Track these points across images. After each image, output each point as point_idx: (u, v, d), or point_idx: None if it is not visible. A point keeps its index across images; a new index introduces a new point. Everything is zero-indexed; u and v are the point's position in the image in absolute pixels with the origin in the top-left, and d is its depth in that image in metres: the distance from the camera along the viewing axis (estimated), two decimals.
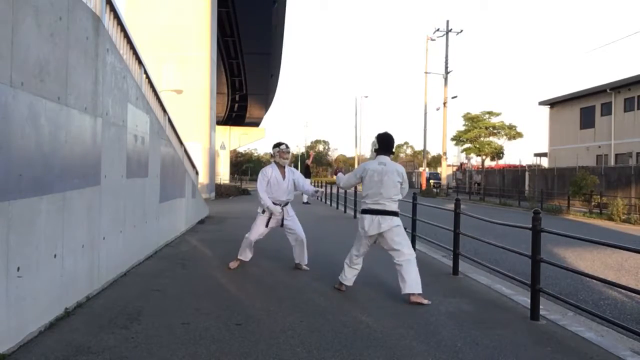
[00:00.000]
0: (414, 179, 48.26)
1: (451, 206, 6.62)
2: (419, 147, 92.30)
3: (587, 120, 29.87)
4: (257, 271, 5.91)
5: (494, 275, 5.90)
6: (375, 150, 4.98)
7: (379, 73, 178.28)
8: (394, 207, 4.84)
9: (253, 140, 53.24)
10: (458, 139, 38.93)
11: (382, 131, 5.06)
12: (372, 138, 5.12)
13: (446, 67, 33.98)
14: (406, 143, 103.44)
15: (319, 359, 3.22)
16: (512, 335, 3.81)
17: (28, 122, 3.24)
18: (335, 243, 8.18)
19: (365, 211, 4.84)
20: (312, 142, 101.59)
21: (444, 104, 33.87)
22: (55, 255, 3.70)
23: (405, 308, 4.45)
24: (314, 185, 23.42)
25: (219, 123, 39.11)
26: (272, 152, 6.00)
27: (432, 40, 35.38)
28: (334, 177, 5.62)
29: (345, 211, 15.33)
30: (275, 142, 5.96)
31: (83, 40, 4.18)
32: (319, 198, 19.25)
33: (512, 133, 37.24)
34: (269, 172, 5.85)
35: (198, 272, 5.79)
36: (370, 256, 7.22)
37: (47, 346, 3.26)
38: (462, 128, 38.72)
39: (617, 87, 26.92)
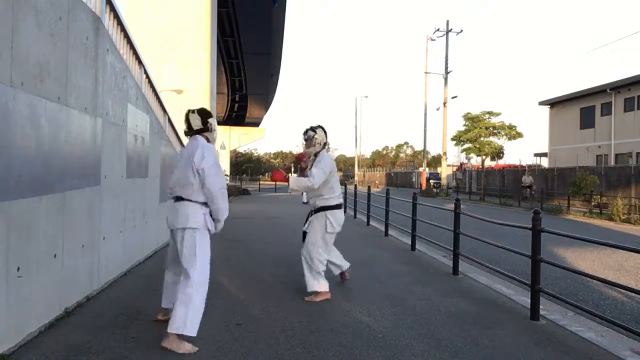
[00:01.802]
0: (414, 179, 48.26)
1: (451, 206, 6.62)
2: (419, 147, 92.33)
3: (587, 120, 29.85)
4: (258, 271, 5.91)
5: (494, 275, 5.89)
6: (325, 144, 4.89)
7: (379, 73, 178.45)
8: None
9: (253, 140, 53.30)
10: (458, 139, 38.90)
11: (317, 124, 4.91)
12: (319, 131, 4.82)
13: (446, 67, 33.97)
14: (406, 143, 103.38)
15: (319, 359, 3.22)
16: (512, 335, 3.81)
17: (28, 122, 3.24)
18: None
19: (339, 206, 4.84)
20: None
21: (444, 104, 33.86)
22: (55, 255, 3.70)
23: (405, 308, 4.45)
24: None
25: (219, 123, 39.12)
26: (208, 123, 3.68)
27: (432, 40, 35.35)
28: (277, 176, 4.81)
29: (345, 211, 15.31)
30: (201, 108, 3.79)
31: (83, 40, 4.18)
32: None
33: (512, 133, 37.22)
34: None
35: None
36: (371, 256, 7.23)
37: (47, 346, 3.26)
38: (462, 128, 38.70)
39: (617, 87, 26.90)
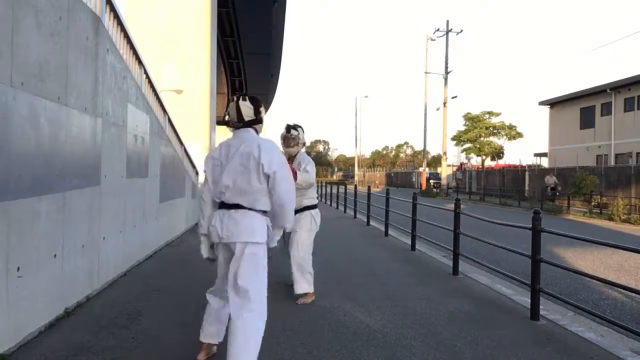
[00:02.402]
0: (414, 179, 48.25)
1: (451, 206, 6.62)
2: (419, 147, 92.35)
3: (587, 120, 29.85)
4: None
5: (494, 275, 5.89)
6: (304, 143, 4.82)
7: (379, 73, 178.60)
8: None
9: None
10: (458, 139, 38.89)
11: (294, 123, 4.81)
12: (299, 129, 4.73)
13: (446, 67, 33.99)
14: (406, 143, 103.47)
15: (319, 359, 3.22)
16: (512, 335, 3.81)
17: (28, 122, 3.24)
18: (335, 243, 8.19)
19: (317, 205, 4.81)
20: (312, 142, 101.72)
21: (444, 104, 33.88)
22: (55, 255, 3.70)
23: (405, 308, 4.45)
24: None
25: (219, 123, 39.04)
26: (260, 113, 3.09)
27: (432, 40, 35.39)
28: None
29: (345, 211, 15.32)
30: (251, 95, 3.23)
31: (83, 40, 4.18)
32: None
33: (512, 133, 37.19)
34: None
35: (198, 272, 5.78)
36: (371, 256, 7.23)
37: (47, 346, 3.26)
38: (462, 128, 38.68)
39: (617, 87, 26.90)
